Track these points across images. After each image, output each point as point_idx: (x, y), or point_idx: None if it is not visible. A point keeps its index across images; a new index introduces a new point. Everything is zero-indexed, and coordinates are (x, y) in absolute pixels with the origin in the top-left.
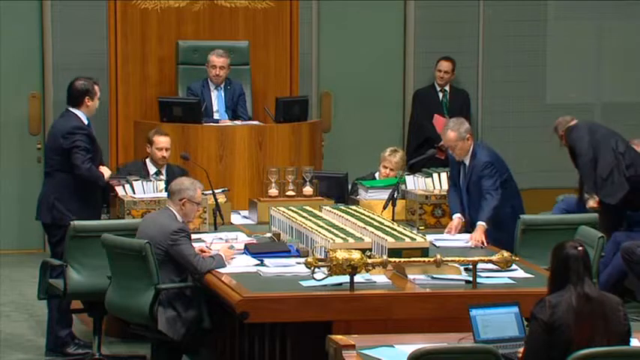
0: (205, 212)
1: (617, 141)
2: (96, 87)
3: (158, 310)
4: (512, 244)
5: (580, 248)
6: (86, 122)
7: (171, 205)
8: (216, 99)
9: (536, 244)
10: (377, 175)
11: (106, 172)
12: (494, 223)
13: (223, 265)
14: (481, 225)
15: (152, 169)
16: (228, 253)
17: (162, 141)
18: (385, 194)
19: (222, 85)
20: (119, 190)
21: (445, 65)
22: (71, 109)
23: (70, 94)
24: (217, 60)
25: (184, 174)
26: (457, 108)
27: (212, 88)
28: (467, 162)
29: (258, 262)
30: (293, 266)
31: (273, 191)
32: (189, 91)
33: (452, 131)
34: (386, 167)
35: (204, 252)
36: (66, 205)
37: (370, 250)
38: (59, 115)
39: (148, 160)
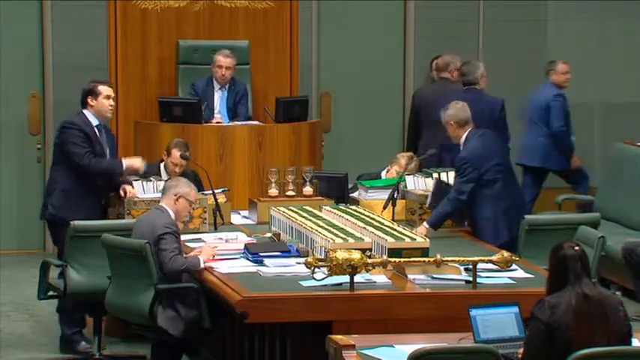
0: (205, 212)
1: None
2: (100, 87)
3: (158, 308)
4: (506, 242)
5: (577, 248)
6: (95, 123)
7: (165, 200)
8: (219, 99)
9: (536, 244)
10: (383, 173)
11: (136, 162)
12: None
13: (197, 266)
14: (424, 227)
15: (165, 176)
16: (209, 252)
17: (179, 156)
18: (385, 194)
19: (226, 86)
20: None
21: None
22: (83, 110)
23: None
24: (224, 60)
25: (196, 178)
26: None
27: (216, 88)
28: (462, 149)
29: (258, 262)
30: (293, 266)
31: (273, 191)
32: (192, 88)
33: (442, 112)
34: (397, 171)
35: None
36: (51, 200)
37: (370, 250)
38: None
39: (162, 166)
